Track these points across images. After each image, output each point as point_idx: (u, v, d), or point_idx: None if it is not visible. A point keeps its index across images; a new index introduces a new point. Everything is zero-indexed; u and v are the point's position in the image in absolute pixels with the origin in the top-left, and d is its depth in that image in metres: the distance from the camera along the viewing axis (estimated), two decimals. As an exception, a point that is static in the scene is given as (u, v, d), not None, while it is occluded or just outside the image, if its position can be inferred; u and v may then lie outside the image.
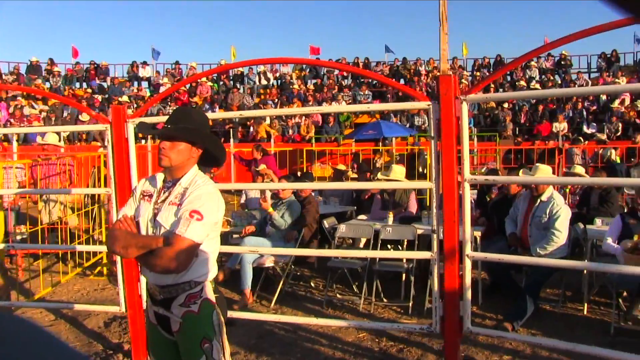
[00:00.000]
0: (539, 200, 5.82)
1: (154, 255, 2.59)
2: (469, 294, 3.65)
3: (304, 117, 20.81)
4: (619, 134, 17.62)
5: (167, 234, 2.65)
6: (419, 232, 6.27)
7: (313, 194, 7.53)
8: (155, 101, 4.30)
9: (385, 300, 6.28)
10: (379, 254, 4.93)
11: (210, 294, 2.78)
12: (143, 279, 4.56)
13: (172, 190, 2.78)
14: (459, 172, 3.63)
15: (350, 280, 6.74)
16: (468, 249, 3.62)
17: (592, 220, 6.89)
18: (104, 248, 5.24)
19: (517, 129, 19.47)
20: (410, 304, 5.99)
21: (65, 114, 19.81)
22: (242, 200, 9.30)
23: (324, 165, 17.60)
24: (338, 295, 6.60)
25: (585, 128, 18.53)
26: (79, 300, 6.73)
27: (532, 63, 23.53)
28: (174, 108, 2.88)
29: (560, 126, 18.60)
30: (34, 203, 8.24)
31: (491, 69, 24.20)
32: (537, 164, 6.27)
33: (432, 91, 22.42)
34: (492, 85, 22.26)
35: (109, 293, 6.97)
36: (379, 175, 7.67)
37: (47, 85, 22.27)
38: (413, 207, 7.48)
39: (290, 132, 20.38)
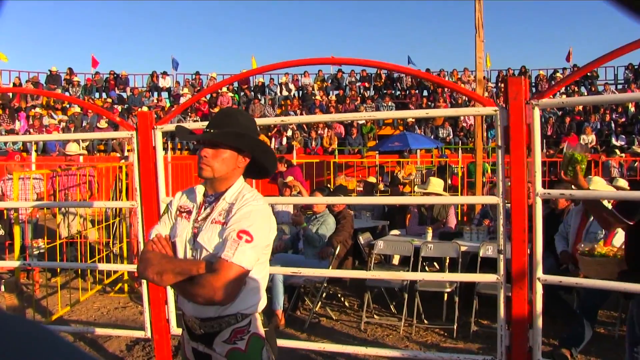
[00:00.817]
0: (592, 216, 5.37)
1: (195, 283, 2.18)
2: (539, 322, 3.22)
3: (326, 129, 20.46)
4: (636, 147, 17.09)
5: (210, 258, 2.25)
6: (463, 249, 5.85)
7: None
8: (179, 111, 4.02)
9: (426, 322, 5.84)
10: (437, 276, 4.44)
11: (259, 327, 2.37)
12: (171, 301, 4.18)
13: (215, 206, 2.37)
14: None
15: (388, 300, 6.33)
16: (539, 272, 3.20)
17: None
18: (127, 267, 4.85)
19: (544, 141, 18.97)
20: (455, 327, 5.55)
21: (84, 124, 19.63)
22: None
23: (349, 178, 17.18)
24: (375, 316, 6.17)
25: (614, 140, 18.00)
26: (99, 319, 6.37)
27: (558, 74, 23.03)
28: (214, 114, 2.39)
29: (588, 138, 18.08)
30: (53, 215, 7.93)
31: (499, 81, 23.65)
32: (591, 176, 5.82)
33: (455, 103, 22.07)
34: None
35: (130, 312, 6.60)
36: (417, 189, 7.25)
37: (67, 95, 22.12)
38: (452, 222, 7.06)
39: (313, 144, 20.03)
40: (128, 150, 19.19)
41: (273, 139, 20.54)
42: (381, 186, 13.29)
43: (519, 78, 3.12)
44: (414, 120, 20.32)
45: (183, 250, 2.37)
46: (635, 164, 12.41)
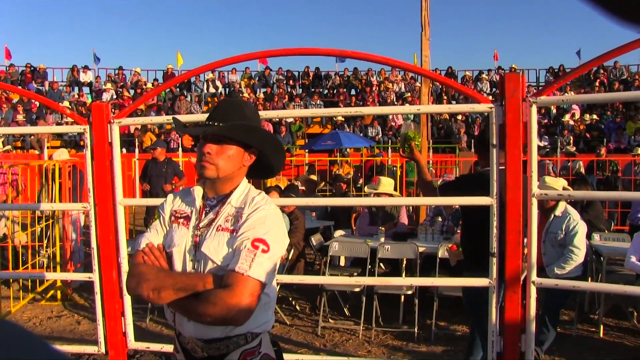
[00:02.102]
0: (552, 216, 5.36)
1: (203, 300, 1.87)
2: (532, 327, 3.10)
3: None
4: (570, 146, 17.73)
5: (217, 271, 1.96)
6: (421, 249, 5.73)
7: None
8: (140, 104, 3.64)
9: (382, 325, 5.69)
10: (417, 281, 4.18)
11: (269, 347, 2.10)
12: (128, 312, 3.82)
13: (219, 211, 2.07)
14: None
15: (342, 303, 6.14)
16: (534, 275, 3.08)
17: (590, 236, 6.52)
18: (72, 276, 4.39)
19: (471, 141, 19.38)
20: (416, 330, 5.42)
21: (-1, 120, 18.47)
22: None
23: (278, 177, 16.93)
24: (330, 320, 5.96)
25: (537, 141, 18.56)
26: (32, 331, 5.86)
27: (484, 76, 23.61)
28: (216, 104, 2.02)
29: (514, 138, 18.58)
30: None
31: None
32: (544, 176, 5.82)
33: (383, 101, 22.23)
34: (445, 96, 22.23)
35: (66, 322, 6.11)
36: (366, 189, 7.09)
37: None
38: (404, 221, 6.94)
39: (241, 142, 19.61)
40: (49, 147, 18.22)
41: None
42: (322, 185, 13.15)
43: (516, 74, 3.00)
44: (343, 119, 20.28)
45: (181, 262, 2.06)
46: (569, 164, 12.76)
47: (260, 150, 2.12)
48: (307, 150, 19.09)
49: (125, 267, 3.73)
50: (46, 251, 6.69)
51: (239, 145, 2.05)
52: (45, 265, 6.67)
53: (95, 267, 3.76)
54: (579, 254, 5.10)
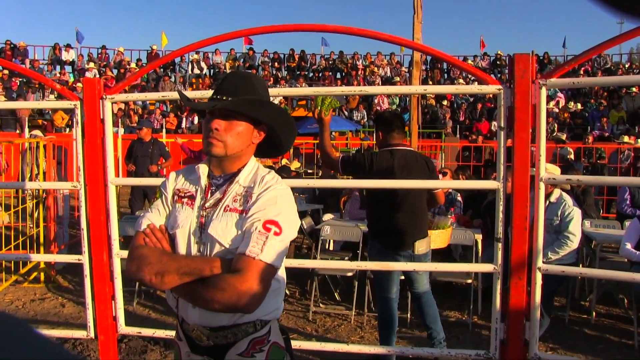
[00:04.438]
0: (547, 202, 5.31)
1: (211, 286, 1.75)
2: (537, 315, 3.03)
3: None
4: (554, 134, 17.78)
5: (225, 254, 1.84)
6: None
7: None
8: (133, 80, 3.50)
9: (374, 310, 5.63)
10: (417, 266, 4.11)
11: (278, 336, 1.99)
12: (119, 295, 3.70)
13: (226, 190, 1.95)
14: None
15: (332, 287, 6.06)
16: (540, 261, 3.00)
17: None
18: (57, 257, 4.24)
19: (457, 127, 19.37)
20: (408, 315, 5.37)
21: (-23, 98, 18.07)
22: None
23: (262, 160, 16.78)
24: (321, 304, 5.89)
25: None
26: (15, 314, 5.72)
27: (469, 62, 23.56)
28: (223, 77, 1.88)
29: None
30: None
31: (428, 66, 24.04)
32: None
33: (369, 85, 22.11)
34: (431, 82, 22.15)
35: (50, 305, 5.96)
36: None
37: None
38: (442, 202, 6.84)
39: (225, 124, 19.40)
40: (32, 127, 17.88)
41: (184, 119, 19.81)
42: (295, 165, 13.00)
43: (526, 55, 2.90)
44: (329, 102, 20.11)
45: (186, 244, 1.93)
46: (556, 151, 12.79)
47: (270, 127, 2.00)
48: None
49: (116, 249, 3.61)
50: (29, 231, 6.52)
51: (248, 122, 1.93)
52: (28, 247, 6.51)
53: (85, 248, 3.63)
54: (574, 240, 5.07)
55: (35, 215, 6.56)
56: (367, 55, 25.24)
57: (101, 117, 3.54)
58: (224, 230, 1.87)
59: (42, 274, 6.66)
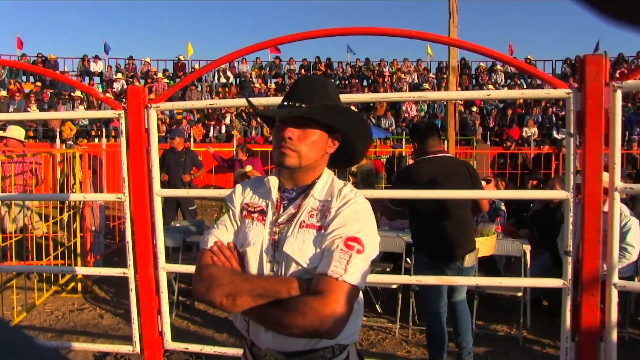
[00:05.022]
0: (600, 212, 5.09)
1: (289, 309, 1.62)
2: (614, 335, 2.83)
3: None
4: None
5: (302, 274, 1.71)
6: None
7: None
8: (177, 88, 3.42)
9: (418, 323, 5.45)
10: (495, 280, 3.91)
11: None
12: (165, 310, 3.58)
13: (300, 204, 1.81)
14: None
15: (373, 299, 5.90)
16: (615, 277, 2.81)
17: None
18: (103, 270, 4.12)
19: (487, 133, 19.08)
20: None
21: (11, 109, 18.26)
22: (227, 205, 8.33)
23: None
24: (362, 317, 5.72)
25: (555, 133, 18.27)
26: (55, 324, 5.64)
27: (498, 67, 23.25)
28: (294, 82, 1.74)
29: (531, 131, 18.28)
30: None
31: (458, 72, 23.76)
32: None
33: (396, 92, 21.88)
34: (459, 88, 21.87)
35: (89, 316, 5.90)
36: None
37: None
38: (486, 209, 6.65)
39: (253, 132, 19.39)
40: (95, 138, 18.00)
41: (211, 127, 19.80)
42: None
43: (599, 56, 2.72)
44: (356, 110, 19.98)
45: (257, 263, 1.80)
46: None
47: (345, 136, 1.87)
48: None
49: (162, 263, 3.50)
50: (67, 242, 6.46)
51: (322, 130, 1.80)
52: (66, 257, 6.45)
53: (130, 262, 3.53)
54: (633, 252, 4.85)
55: (73, 225, 6.49)
56: (394, 62, 25.08)
57: (146, 127, 3.44)
58: (300, 248, 1.74)
59: (79, 284, 6.60)
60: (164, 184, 8.88)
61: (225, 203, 1.98)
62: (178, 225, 7.20)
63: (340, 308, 1.59)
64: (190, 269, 4.01)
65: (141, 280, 3.51)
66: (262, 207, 1.87)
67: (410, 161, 8.86)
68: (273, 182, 1.87)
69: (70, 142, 7.90)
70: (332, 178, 1.88)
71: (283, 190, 1.88)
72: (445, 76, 23.26)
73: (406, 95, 4.56)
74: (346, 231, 1.69)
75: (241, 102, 3.33)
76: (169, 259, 4.39)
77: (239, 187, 1.98)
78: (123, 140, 3.47)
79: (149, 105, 3.42)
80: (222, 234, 1.88)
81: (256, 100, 3.04)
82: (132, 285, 3.57)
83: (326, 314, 1.57)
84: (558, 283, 2.93)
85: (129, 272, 3.55)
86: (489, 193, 3.74)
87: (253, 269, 1.80)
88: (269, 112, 1.91)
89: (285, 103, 1.81)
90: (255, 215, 1.87)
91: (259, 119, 19.27)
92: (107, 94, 20.28)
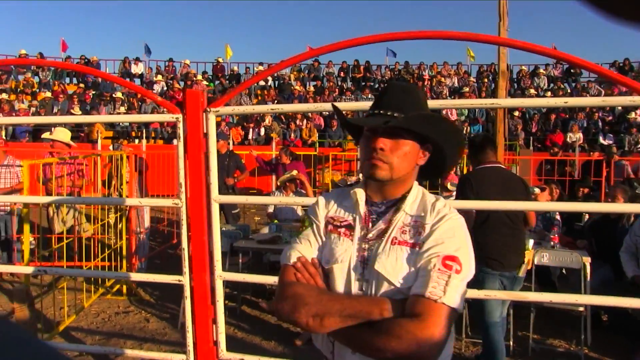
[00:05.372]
0: (632, 219, 4.83)
1: (382, 332, 1.50)
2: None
3: (305, 120, 19.82)
4: (639, 146, 16.94)
5: (394, 294, 1.60)
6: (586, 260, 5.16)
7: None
8: (237, 92, 3.37)
9: (471, 335, 5.28)
10: (597, 300, 3.70)
11: None
12: (221, 319, 3.50)
13: (391, 220, 1.70)
14: None
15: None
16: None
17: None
18: (158, 277, 4.02)
19: (530, 138, 18.69)
20: (511, 344, 5.00)
21: (55, 109, 18.55)
22: (270, 209, 8.25)
23: (334, 172, 16.59)
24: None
25: (601, 139, 17.83)
26: (102, 327, 5.63)
27: (541, 71, 22.81)
28: (383, 88, 1.64)
29: (575, 136, 17.85)
30: (45, 208, 7.10)
31: (497, 76, 23.38)
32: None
33: (436, 96, 21.62)
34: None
35: (134, 319, 5.87)
36: (449, 186, 6.64)
37: (36, 79, 20.96)
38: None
39: (292, 135, 19.33)
40: (135, 139, 18.21)
41: (250, 130, 19.80)
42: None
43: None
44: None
45: (344, 281, 1.69)
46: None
47: (436, 146, 1.75)
48: (358, 145, 18.64)
49: (218, 270, 3.42)
50: (114, 244, 6.46)
51: (415, 140, 1.69)
52: (113, 259, 6.44)
53: (186, 269, 3.45)
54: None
55: (120, 227, 6.49)
56: (433, 66, 24.81)
57: (204, 131, 3.36)
58: (393, 267, 1.63)
59: (124, 287, 6.60)
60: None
61: (308, 216, 1.88)
62: (224, 229, 7.14)
63: (438, 332, 1.48)
64: (248, 277, 3.92)
65: (197, 288, 3.43)
66: (349, 222, 1.77)
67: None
68: (360, 195, 1.77)
69: (118, 144, 7.91)
70: (423, 191, 1.78)
71: (370, 204, 1.77)
72: (486, 80, 22.97)
73: (479, 103, 4.35)
74: (443, 249, 1.58)
75: (302, 107, 3.23)
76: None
77: (321, 199, 1.88)
78: (180, 144, 3.40)
79: (208, 110, 3.34)
80: (305, 249, 1.78)
81: (345, 105, 2.93)
82: (187, 293, 3.49)
83: (424, 339, 1.46)
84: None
85: (184, 279, 3.47)
86: (560, 205, 3.59)
87: (339, 287, 1.69)
88: (361, 122, 1.78)
89: (376, 112, 1.71)
90: (342, 230, 1.76)
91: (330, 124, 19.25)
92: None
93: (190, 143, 3.35)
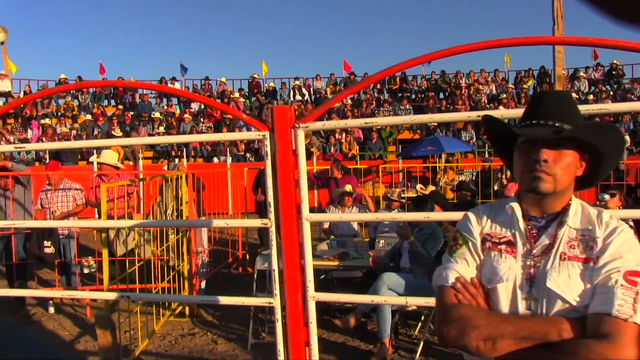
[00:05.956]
0: None
1: (564, 353, 1.41)
2: None
3: (344, 134, 19.72)
4: None
5: (568, 313, 1.50)
6: None
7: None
8: (328, 107, 3.26)
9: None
10: None
11: None
12: (314, 341, 3.36)
13: (556, 234, 1.60)
14: None
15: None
16: None
17: None
18: (247, 300, 3.92)
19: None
20: None
21: (95, 132, 18.76)
22: (326, 225, 8.12)
23: (376, 185, 16.40)
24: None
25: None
26: (170, 350, 5.55)
27: (581, 74, 22.38)
28: (537, 97, 1.55)
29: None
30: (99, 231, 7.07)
31: (536, 81, 23.04)
32: None
33: (474, 104, 21.34)
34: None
35: (201, 341, 5.77)
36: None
37: (77, 102, 21.28)
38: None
39: (332, 149, 19.24)
40: (175, 158, 18.34)
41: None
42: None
43: None
44: (436, 124, 19.50)
45: (509, 300, 1.60)
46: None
47: (595, 156, 1.65)
48: (400, 157, 18.49)
49: (311, 292, 3.29)
50: (177, 266, 6.39)
51: (576, 151, 1.60)
52: (177, 281, 6.37)
53: (277, 291, 3.33)
54: None
55: (183, 247, 6.43)
56: (470, 74, 24.54)
57: (293, 148, 3.25)
58: (567, 284, 1.53)
59: (187, 308, 6.52)
60: (259, 204, 8.79)
61: (461, 233, 1.75)
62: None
63: (631, 354, 1.38)
64: (343, 297, 3.80)
65: (291, 311, 3.31)
66: (509, 238, 1.67)
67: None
68: (517, 209, 1.67)
69: (174, 164, 7.89)
70: (582, 203, 1.67)
71: (529, 218, 1.67)
72: (525, 86, 22.58)
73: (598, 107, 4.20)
74: (623, 264, 1.49)
75: (397, 119, 3.11)
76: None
77: (472, 215, 1.78)
78: (268, 162, 3.30)
79: (297, 125, 3.23)
80: (463, 268, 1.68)
81: (502, 113, 2.79)
82: (277, 315, 3.37)
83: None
84: None
85: (275, 301, 3.35)
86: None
87: (504, 307, 1.60)
88: (529, 132, 1.64)
89: (534, 122, 1.62)
90: (503, 247, 1.66)
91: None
92: (185, 115, 20.61)
93: (281, 161, 3.24)
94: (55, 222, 6.44)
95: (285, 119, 3.24)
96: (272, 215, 3.31)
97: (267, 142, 3.29)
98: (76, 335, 6.10)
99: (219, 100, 22.71)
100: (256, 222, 3.73)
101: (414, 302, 4.16)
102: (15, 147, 4.66)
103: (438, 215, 5.18)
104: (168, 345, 5.69)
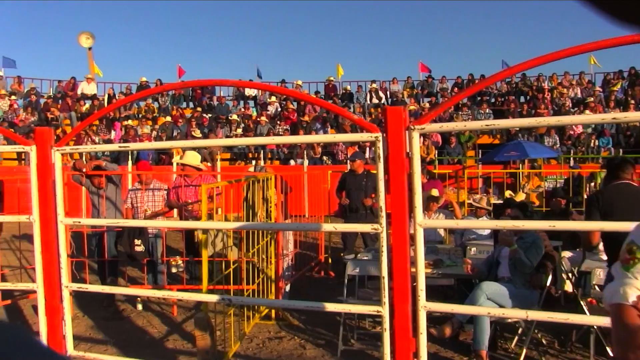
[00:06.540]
0: None
1: None
2: None
3: (422, 137, 19.37)
4: None
5: None
6: None
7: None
8: (443, 109, 3.16)
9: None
10: None
11: None
12: (423, 353, 3.21)
13: None
14: None
15: (602, 340, 5.21)
16: None
17: None
18: (354, 308, 3.80)
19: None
20: None
21: (174, 133, 19.15)
22: (411, 230, 7.91)
23: (453, 190, 16.04)
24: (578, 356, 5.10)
25: None
26: (259, 353, 5.50)
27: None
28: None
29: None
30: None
31: (626, 84, 21.99)
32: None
33: (557, 108, 20.58)
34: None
35: (290, 345, 5.69)
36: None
37: (156, 105, 21.81)
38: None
39: (409, 153, 18.92)
40: (252, 160, 18.57)
41: (367, 149, 19.60)
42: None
43: None
44: (517, 128, 18.87)
45: None
46: None
47: None
48: (479, 162, 18.00)
49: (422, 301, 3.14)
50: (266, 268, 6.35)
51: None
52: (266, 283, 6.33)
53: (386, 299, 3.19)
54: None
55: (270, 250, 6.39)
56: (553, 77, 23.70)
57: (407, 150, 3.11)
58: None
59: (273, 311, 6.47)
60: (344, 208, 8.67)
61: (638, 246, 1.56)
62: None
63: None
64: (456, 308, 3.64)
65: (398, 320, 3.17)
66: None
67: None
68: None
69: (261, 166, 7.89)
70: None
71: None
72: (614, 89, 21.54)
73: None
74: None
75: (519, 122, 2.92)
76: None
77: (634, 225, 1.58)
78: (380, 165, 3.16)
79: (412, 127, 3.09)
80: None
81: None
82: (386, 325, 3.23)
83: None
84: None
85: (384, 310, 3.21)
86: None
87: None
88: None
89: None
90: None
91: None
92: (262, 117, 20.76)
93: (393, 164, 3.11)
94: (152, 222, 6.55)
95: (399, 120, 3.11)
96: (383, 220, 3.17)
97: (380, 145, 3.16)
98: (164, 333, 6.15)
99: (295, 103, 22.83)
100: (366, 227, 3.61)
101: (520, 315, 3.94)
102: (120, 147, 4.70)
103: (567, 224, 5.19)
104: (256, 349, 5.64)
